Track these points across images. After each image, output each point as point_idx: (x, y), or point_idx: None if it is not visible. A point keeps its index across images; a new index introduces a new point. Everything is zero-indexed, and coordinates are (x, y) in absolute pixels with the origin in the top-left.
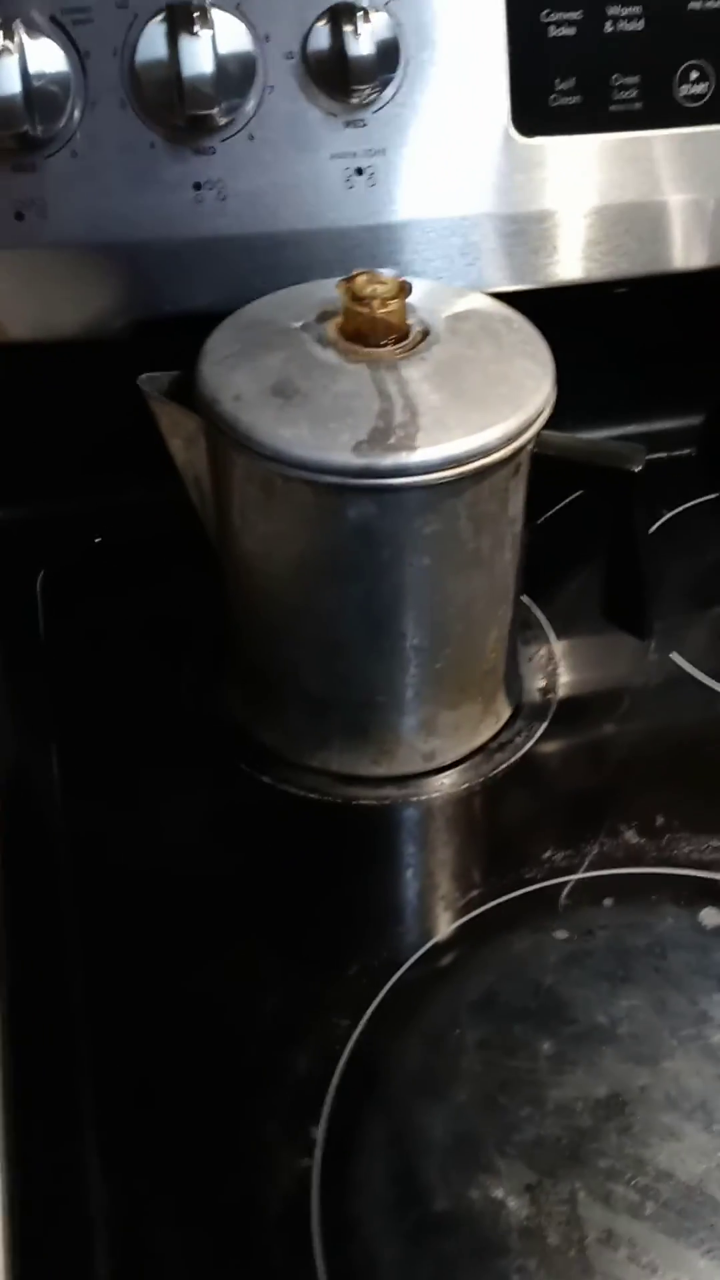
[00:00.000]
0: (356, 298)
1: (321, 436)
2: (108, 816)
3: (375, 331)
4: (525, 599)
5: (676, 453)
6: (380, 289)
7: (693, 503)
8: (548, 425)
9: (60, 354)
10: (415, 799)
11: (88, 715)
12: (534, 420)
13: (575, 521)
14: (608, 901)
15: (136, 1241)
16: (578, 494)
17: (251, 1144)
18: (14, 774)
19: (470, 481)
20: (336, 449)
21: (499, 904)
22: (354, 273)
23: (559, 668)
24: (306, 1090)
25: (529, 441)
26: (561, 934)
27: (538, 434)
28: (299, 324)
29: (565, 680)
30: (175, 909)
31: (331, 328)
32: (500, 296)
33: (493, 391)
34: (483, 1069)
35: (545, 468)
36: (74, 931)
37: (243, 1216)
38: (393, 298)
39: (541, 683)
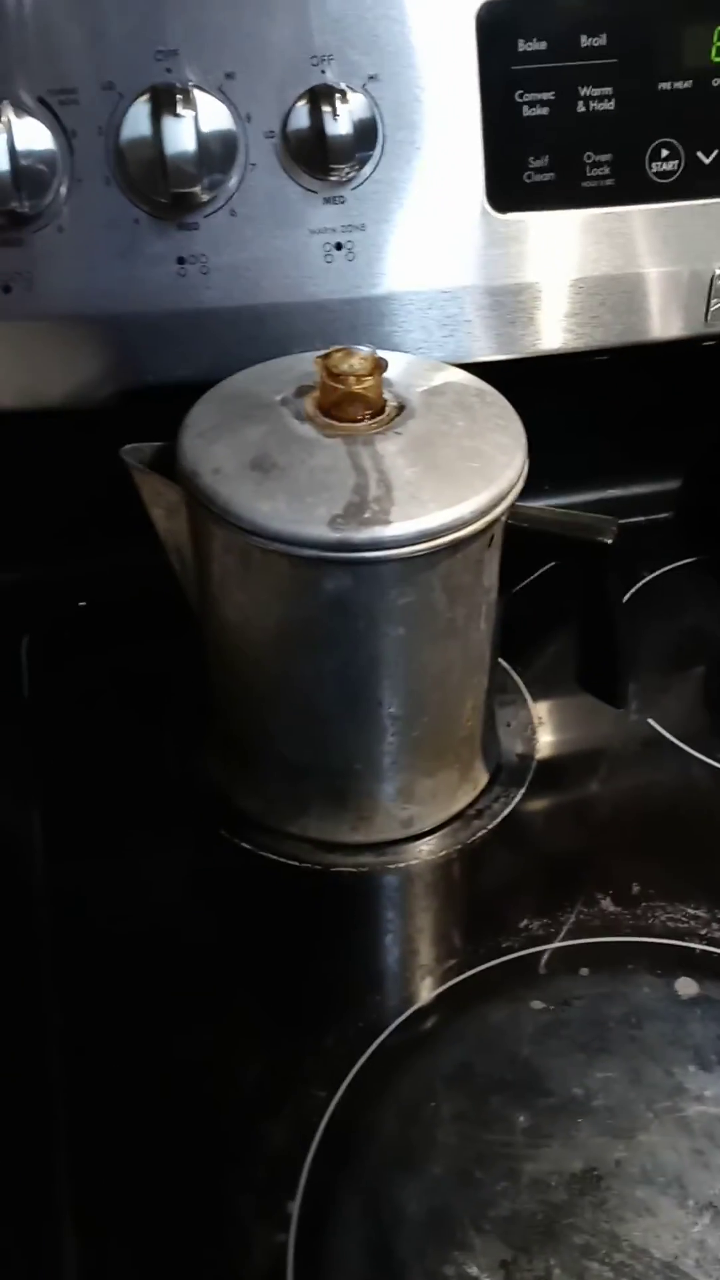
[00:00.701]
0: (333, 374)
1: (298, 510)
2: (88, 879)
3: (351, 407)
4: (503, 664)
5: (654, 516)
6: (356, 365)
7: (670, 566)
8: (522, 495)
9: (46, 422)
10: (393, 866)
11: (70, 777)
12: (506, 493)
13: (553, 587)
14: (584, 971)
15: None
16: (552, 565)
17: (227, 1218)
18: None
19: (444, 554)
20: (313, 523)
21: (476, 973)
22: (330, 349)
23: (536, 733)
24: (283, 1163)
25: (502, 514)
26: (538, 1004)
27: (511, 506)
28: (278, 398)
29: (543, 746)
30: (153, 975)
31: (309, 402)
32: (479, 366)
33: (466, 465)
34: (458, 1142)
35: (519, 539)
36: (51, 996)
37: None
38: (368, 374)
39: (519, 748)
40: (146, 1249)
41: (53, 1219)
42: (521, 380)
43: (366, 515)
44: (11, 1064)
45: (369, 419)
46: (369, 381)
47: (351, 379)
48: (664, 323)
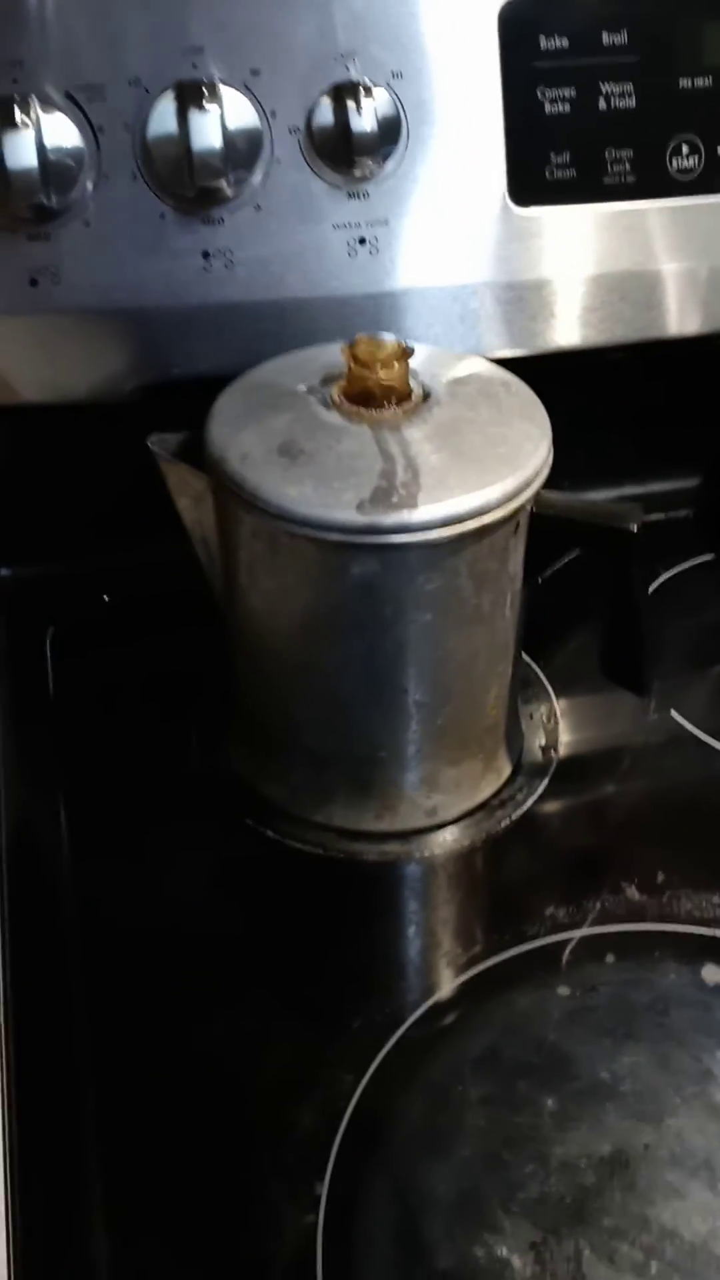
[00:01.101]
0: (359, 361)
1: (326, 495)
2: (113, 869)
3: (377, 394)
4: (526, 658)
5: (674, 514)
6: (381, 353)
7: (690, 563)
8: (546, 486)
9: (72, 416)
10: (418, 855)
11: (95, 768)
12: (532, 480)
13: (575, 581)
14: (610, 958)
15: None
16: (576, 553)
17: (256, 1201)
18: (22, 824)
19: (470, 539)
20: (340, 507)
21: (501, 960)
22: (356, 337)
23: (560, 725)
24: (311, 1146)
25: (527, 501)
26: (564, 990)
27: (536, 494)
28: (304, 387)
29: (566, 738)
30: (180, 963)
31: (335, 390)
32: (500, 362)
33: (492, 452)
34: (486, 1125)
35: (544, 527)
36: (79, 984)
37: (247, 1273)
38: (394, 361)
39: (542, 740)
40: (177, 1232)
41: (84, 1204)
42: (542, 377)
43: (394, 500)
44: (42, 1052)
45: (395, 406)
46: (395, 369)
47: (378, 366)
48: (682, 319)
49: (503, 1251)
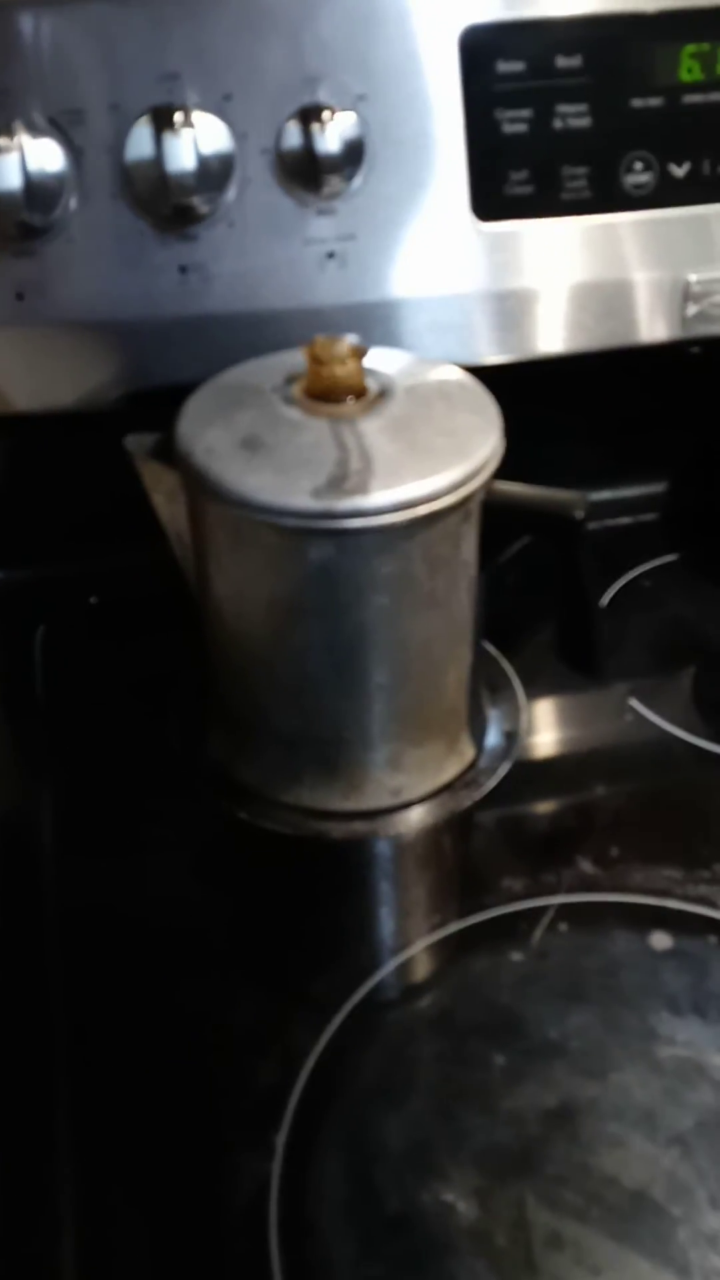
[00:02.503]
0: (317, 360)
1: (284, 484)
2: (94, 850)
3: (335, 390)
4: (493, 651)
5: (641, 517)
6: (338, 351)
7: (656, 563)
8: (499, 478)
9: (58, 424)
10: (383, 833)
11: (81, 759)
12: (481, 469)
13: (539, 579)
14: (564, 927)
15: (104, 1239)
16: (539, 556)
17: (217, 1150)
18: (11, 809)
19: (422, 525)
20: (297, 494)
21: (459, 930)
22: (315, 338)
23: (522, 713)
24: (270, 1100)
25: (478, 489)
26: (518, 956)
27: (487, 482)
28: (269, 386)
29: (530, 725)
30: (154, 934)
31: (297, 388)
32: (468, 370)
33: (443, 443)
34: (438, 1080)
35: (495, 514)
36: (55, 948)
37: (206, 1216)
38: (350, 359)
39: (506, 727)
40: (141, 1177)
41: (52, 1150)
42: (511, 386)
43: (347, 486)
44: (17, 1008)
45: (352, 401)
46: (351, 366)
47: (334, 363)
48: (646, 328)
49: (449, 1198)
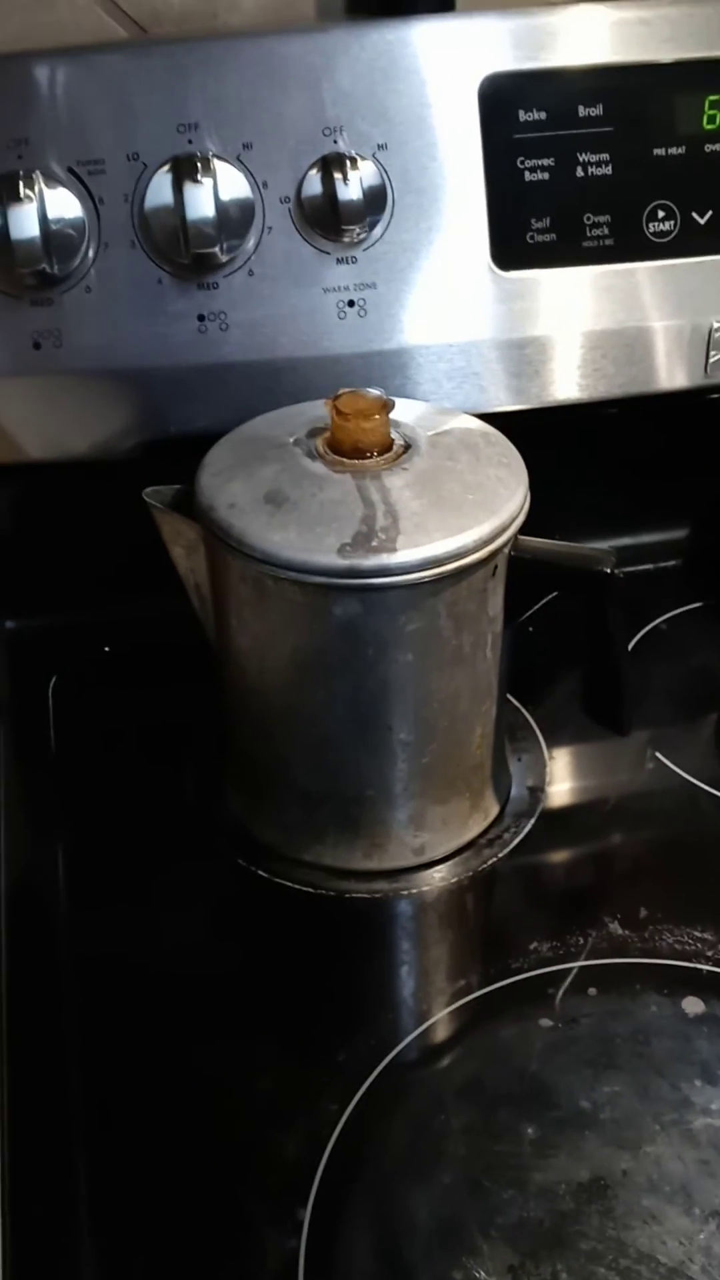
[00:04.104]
0: (342, 414)
1: (309, 540)
2: (110, 908)
3: (360, 444)
4: (514, 702)
5: (663, 564)
6: (363, 406)
7: (678, 610)
8: (526, 531)
9: (74, 473)
10: (406, 893)
11: (94, 812)
12: (508, 525)
13: (563, 627)
14: (592, 990)
15: None
16: (562, 608)
17: (241, 1225)
18: (22, 865)
19: (449, 581)
20: (322, 551)
21: (485, 994)
22: (340, 392)
23: (547, 767)
24: (295, 1173)
25: (505, 544)
26: (546, 1022)
27: (513, 537)
28: (291, 439)
29: (553, 779)
30: (172, 997)
31: (320, 442)
32: (488, 418)
33: (469, 498)
34: (467, 1153)
35: (522, 570)
36: (73, 1015)
37: None
38: (375, 413)
39: (530, 781)
40: (163, 1254)
41: (73, 1226)
42: (532, 433)
43: (374, 544)
44: (36, 1080)
45: (377, 456)
46: (376, 420)
47: (359, 418)
48: (666, 375)
49: (481, 1275)
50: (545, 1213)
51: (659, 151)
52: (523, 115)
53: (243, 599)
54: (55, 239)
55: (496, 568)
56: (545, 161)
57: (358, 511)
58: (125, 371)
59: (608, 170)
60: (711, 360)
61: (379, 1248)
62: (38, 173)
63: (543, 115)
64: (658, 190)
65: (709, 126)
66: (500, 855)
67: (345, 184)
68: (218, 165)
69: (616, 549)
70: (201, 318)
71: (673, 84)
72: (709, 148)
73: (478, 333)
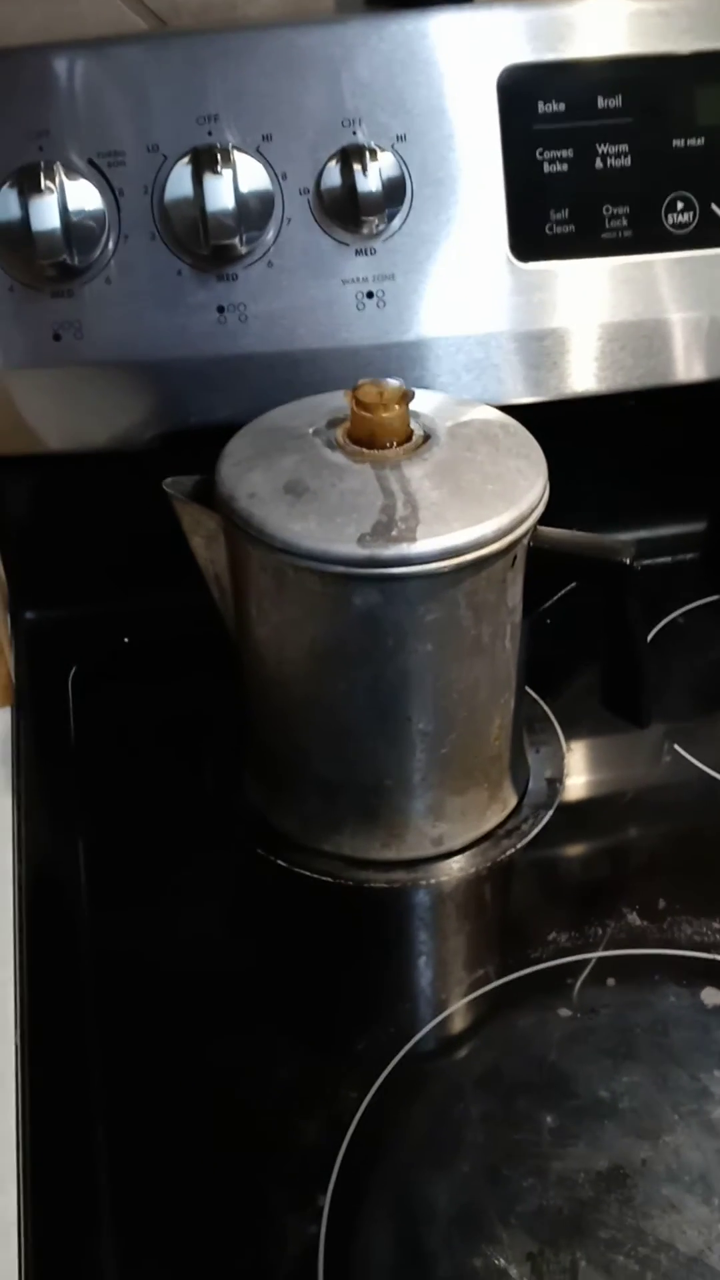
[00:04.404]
0: (362, 405)
1: (329, 530)
2: (130, 898)
3: (379, 435)
4: (533, 694)
5: (681, 557)
6: (383, 396)
7: (696, 603)
8: (545, 522)
9: (94, 464)
10: (424, 883)
11: (113, 802)
12: (528, 515)
13: (582, 619)
14: (611, 981)
15: None
16: (580, 600)
17: (261, 1212)
18: (42, 853)
19: (469, 572)
20: (342, 541)
21: (504, 984)
22: (360, 382)
23: (565, 758)
24: (314, 1160)
25: (524, 535)
26: (565, 1012)
27: (533, 528)
28: (310, 429)
29: (571, 770)
30: (193, 987)
31: (340, 432)
32: (507, 410)
33: (489, 489)
34: (486, 1141)
35: (541, 560)
36: (93, 1004)
37: None
38: (395, 404)
39: (548, 772)
40: (184, 1241)
41: (93, 1213)
42: (550, 426)
43: (394, 533)
44: (57, 1067)
45: (397, 446)
46: (396, 411)
47: (379, 409)
48: (684, 367)
49: (500, 1262)
50: (564, 1201)
51: (678, 143)
52: (541, 107)
53: (262, 589)
54: (75, 230)
55: (516, 558)
56: (564, 153)
57: (377, 501)
58: (145, 363)
59: (626, 162)
60: None
61: (399, 1235)
62: (58, 164)
63: (561, 107)
64: (677, 182)
65: None
66: (518, 846)
67: (364, 175)
68: (237, 157)
69: (634, 542)
70: (221, 309)
71: (692, 75)
72: None
73: (496, 324)
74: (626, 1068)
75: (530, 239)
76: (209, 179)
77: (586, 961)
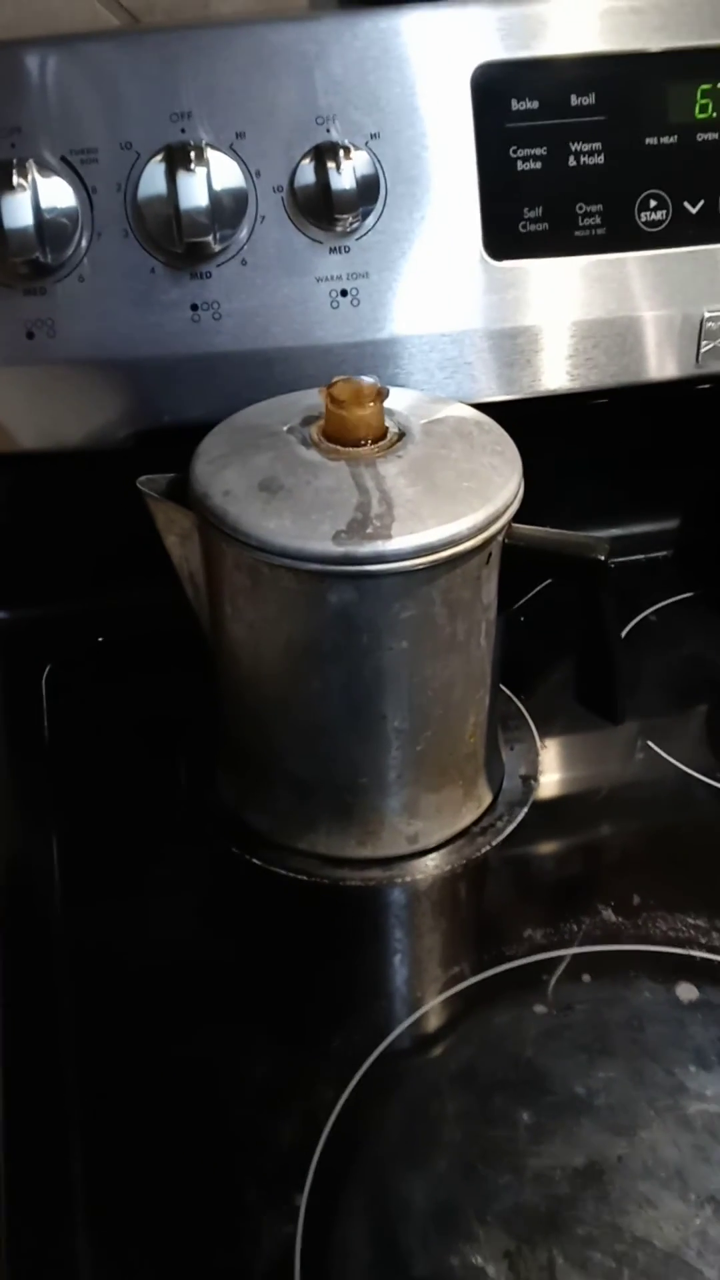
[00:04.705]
0: (336, 402)
1: (303, 527)
2: (104, 897)
3: (354, 432)
4: (507, 692)
5: (654, 554)
6: (358, 393)
7: (669, 600)
8: (520, 520)
9: (67, 463)
10: (399, 880)
11: (87, 801)
12: (502, 512)
13: (556, 617)
14: (586, 977)
15: None
16: (555, 598)
17: (237, 1211)
18: (16, 853)
19: (444, 569)
20: (317, 538)
21: (479, 981)
22: (334, 380)
23: (540, 756)
24: (291, 1158)
25: (499, 532)
26: (541, 1009)
27: (507, 525)
28: (285, 427)
29: (546, 768)
30: (167, 986)
31: (315, 430)
32: (481, 408)
33: (463, 486)
34: (463, 1138)
35: (516, 557)
36: (69, 1004)
37: None
38: (370, 401)
39: (523, 769)
40: (159, 1240)
41: (68, 1211)
42: (523, 424)
43: (369, 531)
44: (31, 1066)
45: (371, 444)
46: (371, 408)
47: (354, 406)
48: (658, 365)
49: (477, 1260)
50: (541, 1198)
51: (651, 141)
52: (515, 104)
53: (237, 587)
54: (48, 228)
55: (490, 555)
56: (537, 151)
57: (352, 499)
58: (118, 361)
59: (600, 160)
60: (703, 350)
61: (375, 1233)
62: (31, 162)
63: (535, 104)
64: (650, 180)
65: (701, 116)
66: (493, 843)
67: (338, 173)
68: (210, 154)
69: (608, 539)
70: (195, 307)
71: (664, 73)
72: (701, 137)
73: (470, 322)
74: (602, 1064)
75: (504, 237)
76: (182, 176)
77: (562, 958)
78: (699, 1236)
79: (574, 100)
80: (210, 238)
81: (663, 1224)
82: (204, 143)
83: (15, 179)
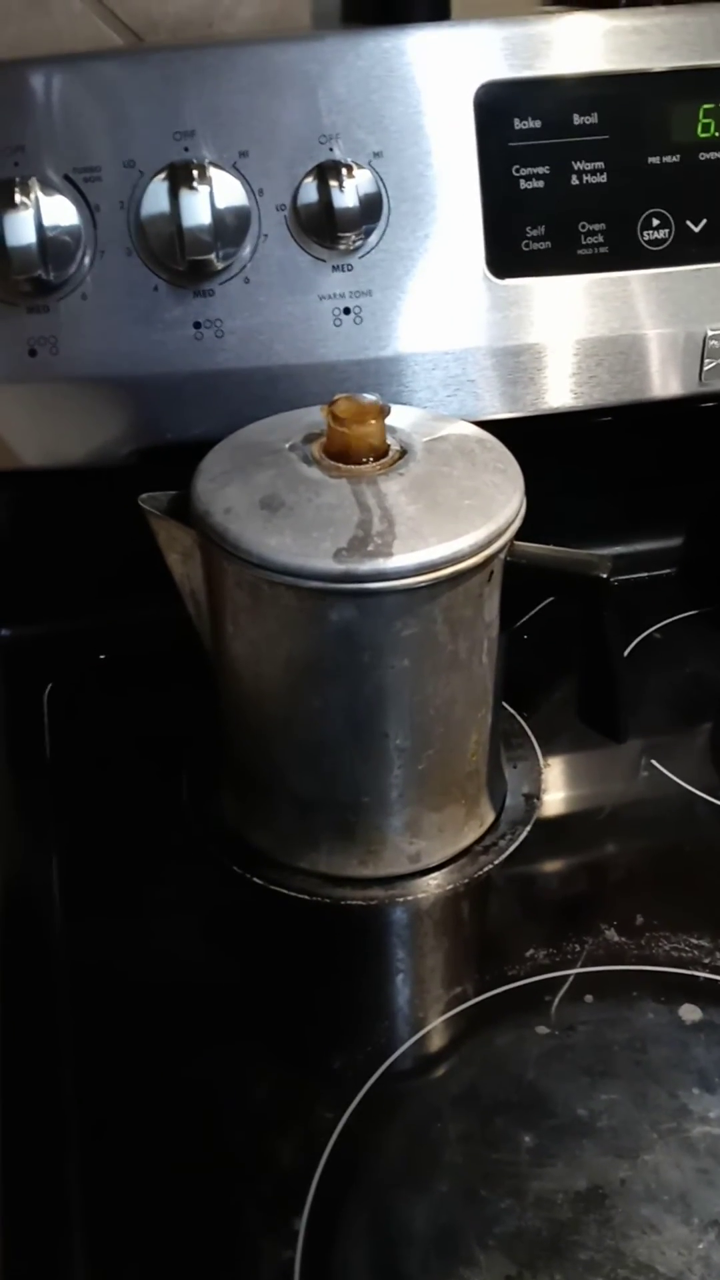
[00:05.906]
0: (338, 420)
1: (305, 545)
2: (105, 915)
3: (356, 450)
4: (510, 710)
5: (658, 572)
6: (359, 411)
7: (672, 619)
8: (522, 538)
9: (69, 480)
10: (401, 900)
11: (89, 819)
12: (504, 530)
13: (555, 637)
14: (589, 998)
15: None
16: (557, 615)
17: (235, 1235)
18: (17, 872)
19: (445, 587)
20: (318, 556)
21: (482, 1001)
22: (336, 397)
23: (542, 774)
24: (290, 1182)
25: (500, 549)
26: (543, 1029)
27: (509, 543)
28: (287, 445)
29: (549, 786)
30: (167, 1005)
31: (316, 447)
32: (482, 426)
33: (465, 504)
34: (464, 1161)
35: (518, 575)
36: (68, 1022)
37: None
38: (371, 419)
39: (525, 788)
40: (157, 1264)
41: (66, 1234)
42: (527, 441)
43: (370, 548)
44: (30, 1087)
45: (373, 461)
46: (372, 425)
47: (356, 424)
48: (660, 383)
49: None
50: (543, 1222)
51: (654, 160)
52: (518, 123)
53: (238, 604)
54: (51, 246)
55: (492, 573)
56: (540, 169)
57: (354, 516)
58: (121, 379)
59: (602, 178)
60: (706, 368)
61: (375, 1258)
62: (34, 180)
63: (538, 123)
64: (652, 199)
65: (703, 135)
66: (496, 862)
67: (341, 191)
68: (214, 173)
69: (611, 557)
70: (197, 325)
71: (667, 93)
72: (703, 156)
73: (473, 340)
74: (605, 1086)
75: (507, 255)
76: (185, 195)
77: (564, 978)
78: (702, 1262)
79: (577, 119)
80: (213, 256)
81: (665, 1249)
82: (207, 161)
83: (18, 197)
